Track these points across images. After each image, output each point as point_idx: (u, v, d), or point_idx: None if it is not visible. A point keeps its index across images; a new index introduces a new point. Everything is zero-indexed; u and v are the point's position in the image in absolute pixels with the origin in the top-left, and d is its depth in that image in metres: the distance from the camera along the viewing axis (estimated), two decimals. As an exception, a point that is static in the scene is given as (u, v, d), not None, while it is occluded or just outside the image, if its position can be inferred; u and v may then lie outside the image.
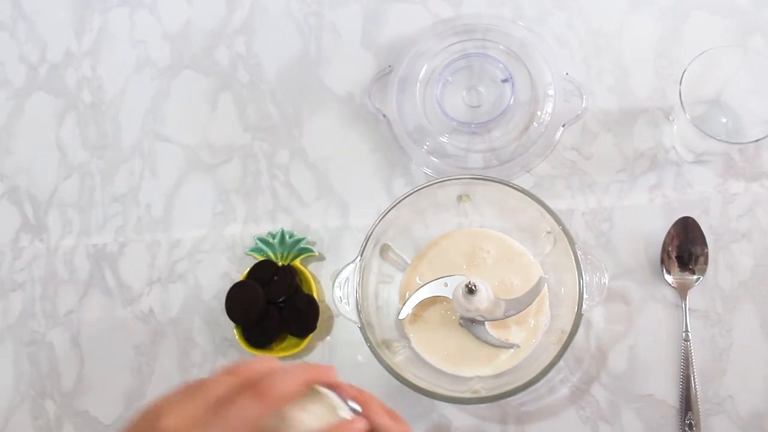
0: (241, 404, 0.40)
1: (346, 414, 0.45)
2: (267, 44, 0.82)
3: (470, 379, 0.66)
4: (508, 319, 0.65)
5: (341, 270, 0.64)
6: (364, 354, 0.70)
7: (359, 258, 0.64)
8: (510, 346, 0.66)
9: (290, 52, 0.81)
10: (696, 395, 0.65)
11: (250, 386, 0.41)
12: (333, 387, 0.46)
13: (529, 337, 0.66)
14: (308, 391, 0.44)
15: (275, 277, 0.72)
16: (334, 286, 0.63)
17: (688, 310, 0.67)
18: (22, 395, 0.76)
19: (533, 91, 0.74)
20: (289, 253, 0.74)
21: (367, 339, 0.62)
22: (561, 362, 0.60)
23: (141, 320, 0.76)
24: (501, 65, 0.75)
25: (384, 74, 0.76)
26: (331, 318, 0.73)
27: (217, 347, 0.74)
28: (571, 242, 0.61)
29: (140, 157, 0.81)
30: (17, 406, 0.76)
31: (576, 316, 0.59)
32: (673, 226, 0.68)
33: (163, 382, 0.74)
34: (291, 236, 0.74)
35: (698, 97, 0.67)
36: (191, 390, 0.41)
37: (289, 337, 0.72)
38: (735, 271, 0.68)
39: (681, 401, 0.65)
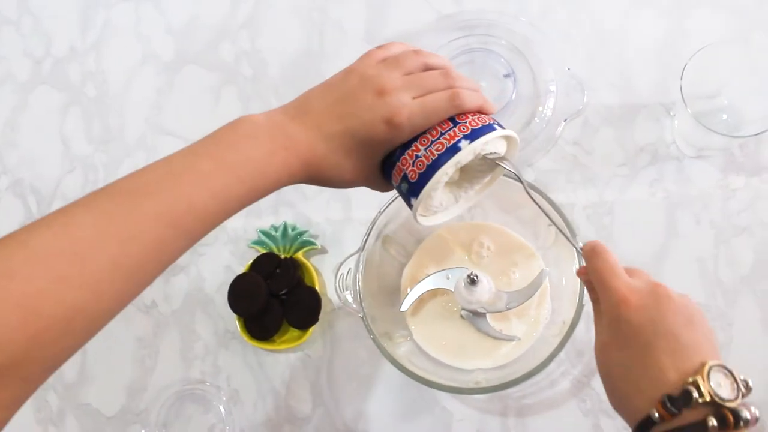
0: (434, 74, 0.46)
1: None
2: (271, 39, 0.82)
3: (471, 371, 0.66)
4: (509, 311, 0.65)
5: (344, 261, 0.64)
6: (365, 346, 0.71)
7: (361, 250, 0.64)
8: (511, 338, 0.66)
9: (294, 48, 0.81)
10: (696, 388, 0.65)
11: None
12: None
13: (530, 330, 0.66)
14: None
15: (277, 270, 0.72)
16: (337, 276, 0.64)
17: (689, 304, 0.67)
18: (24, 387, 0.76)
19: (535, 86, 0.75)
20: (291, 246, 0.74)
21: (369, 330, 0.62)
22: (562, 355, 0.61)
23: (143, 312, 0.76)
24: (503, 60, 0.76)
25: (387, 69, 0.77)
26: (333, 310, 0.73)
27: (219, 339, 0.74)
28: (573, 233, 0.61)
29: (144, 151, 0.81)
30: (20, 398, 0.76)
31: (577, 307, 0.60)
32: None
33: (165, 374, 0.74)
34: (293, 229, 0.74)
35: (699, 92, 0.68)
36: (389, 63, 0.46)
37: (291, 329, 0.72)
38: (735, 265, 0.68)
39: (681, 394, 0.65)
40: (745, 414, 0.38)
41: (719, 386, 0.39)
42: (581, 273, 0.48)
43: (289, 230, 0.74)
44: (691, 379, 0.39)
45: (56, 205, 0.81)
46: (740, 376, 0.40)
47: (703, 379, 0.39)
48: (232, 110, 0.81)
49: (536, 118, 0.74)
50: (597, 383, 0.67)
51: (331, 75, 0.79)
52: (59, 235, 0.36)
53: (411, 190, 0.46)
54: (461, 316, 0.67)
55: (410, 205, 0.47)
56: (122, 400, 0.74)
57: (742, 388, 0.40)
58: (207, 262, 0.76)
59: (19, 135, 0.85)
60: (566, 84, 0.74)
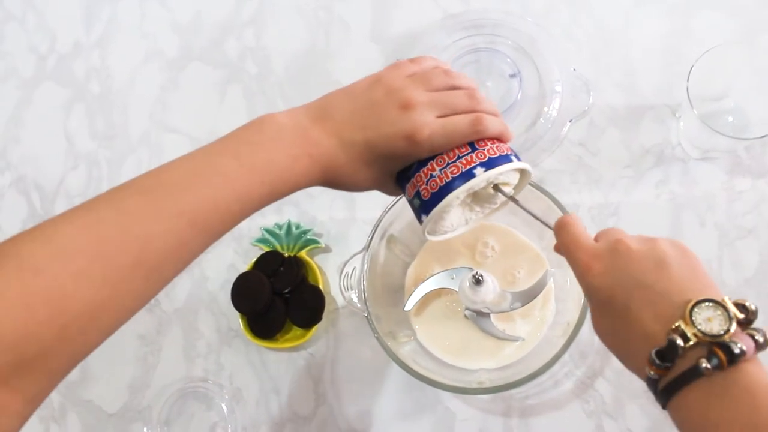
0: (459, 95, 0.46)
1: None
2: (276, 37, 0.82)
3: (475, 371, 0.66)
4: (513, 312, 0.65)
5: (349, 260, 0.64)
6: (369, 345, 0.71)
7: (366, 249, 0.64)
8: (515, 339, 0.66)
9: (299, 45, 0.81)
10: (700, 390, 0.65)
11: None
12: None
13: (534, 330, 0.66)
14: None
15: (281, 268, 0.72)
16: (342, 275, 0.64)
17: (693, 306, 0.67)
18: (26, 383, 0.76)
19: (541, 86, 0.74)
20: (295, 245, 0.74)
21: (374, 329, 0.62)
22: (566, 356, 0.61)
23: (146, 310, 0.75)
24: (509, 60, 0.75)
25: (392, 68, 0.77)
26: (336, 309, 0.73)
27: (222, 337, 0.74)
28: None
29: (147, 148, 0.81)
30: (22, 394, 0.76)
31: (582, 308, 0.60)
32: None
33: (168, 371, 0.74)
34: (297, 227, 0.74)
35: (705, 93, 0.67)
36: (416, 78, 0.46)
37: (295, 327, 0.72)
38: (740, 267, 0.68)
39: (685, 396, 0.65)
40: (739, 346, 0.34)
41: (708, 321, 0.36)
42: (556, 249, 0.47)
43: (293, 228, 0.74)
44: (674, 325, 0.37)
45: (59, 202, 0.81)
46: (733, 303, 0.36)
47: (686, 322, 0.36)
48: (237, 107, 0.80)
49: (542, 119, 0.74)
50: (600, 385, 0.67)
51: (336, 73, 0.80)
52: (83, 232, 0.36)
53: (423, 208, 0.46)
54: (465, 316, 0.67)
55: (420, 221, 0.47)
56: (124, 398, 0.74)
57: (737, 315, 0.36)
58: (210, 260, 0.76)
59: (22, 131, 0.84)
60: (572, 84, 0.74)
